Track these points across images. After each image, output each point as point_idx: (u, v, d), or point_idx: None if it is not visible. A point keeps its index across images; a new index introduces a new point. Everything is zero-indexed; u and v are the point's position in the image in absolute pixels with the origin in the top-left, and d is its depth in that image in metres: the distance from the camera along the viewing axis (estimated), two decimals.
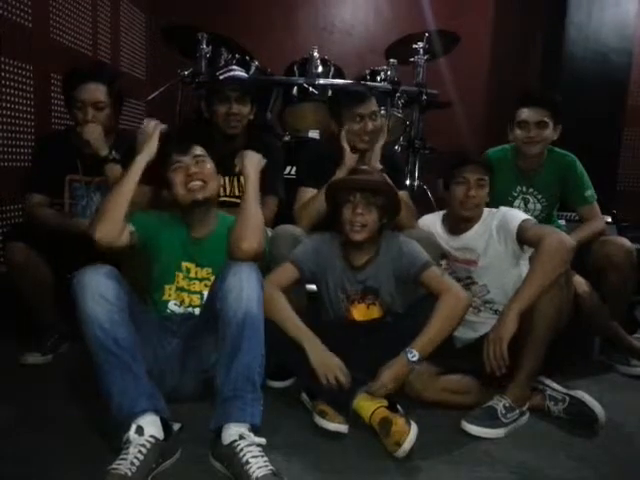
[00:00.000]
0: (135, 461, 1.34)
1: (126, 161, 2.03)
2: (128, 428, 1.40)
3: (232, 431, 1.42)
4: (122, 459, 1.34)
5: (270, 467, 1.35)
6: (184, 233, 1.85)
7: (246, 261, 1.64)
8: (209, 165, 1.83)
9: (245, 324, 1.50)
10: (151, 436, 1.40)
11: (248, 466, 1.35)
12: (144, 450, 1.36)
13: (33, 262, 2.04)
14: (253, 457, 1.37)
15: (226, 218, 1.89)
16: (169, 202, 1.89)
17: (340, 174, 2.10)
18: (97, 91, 2.14)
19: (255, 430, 1.45)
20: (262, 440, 1.42)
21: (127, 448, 1.37)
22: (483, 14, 4.60)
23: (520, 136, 2.34)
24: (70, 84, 2.15)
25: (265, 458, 1.38)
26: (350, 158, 2.15)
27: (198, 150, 1.83)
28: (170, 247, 1.83)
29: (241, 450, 1.38)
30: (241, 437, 1.41)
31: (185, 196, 1.78)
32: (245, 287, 1.53)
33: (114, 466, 1.33)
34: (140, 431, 1.39)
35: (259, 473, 1.33)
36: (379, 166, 2.17)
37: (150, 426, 1.41)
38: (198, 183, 1.78)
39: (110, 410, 1.45)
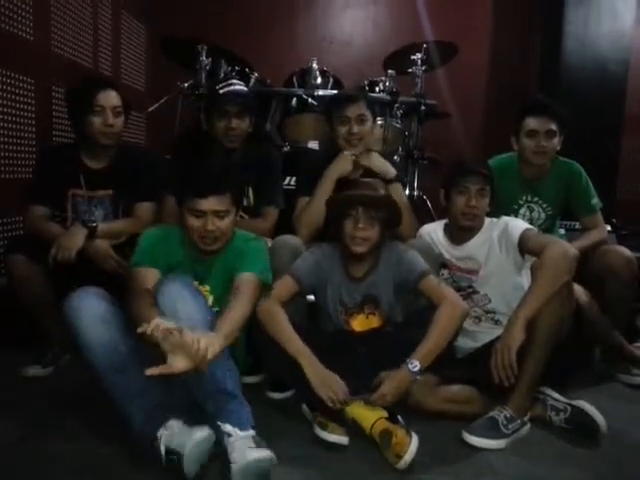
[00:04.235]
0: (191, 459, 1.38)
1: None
2: (157, 439, 1.43)
3: (222, 434, 1.45)
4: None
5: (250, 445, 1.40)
6: (192, 252, 1.84)
7: None
8: (228, 220, 1.75)
9: None
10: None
11: (227, 455, 1.40)
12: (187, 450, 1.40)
13: (34, 275, 2.04)
14: (234, 448, 1.40)
15: (239, 237, 1.87)
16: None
17: (329, 175, 2.13)
18: (115, 97, 2.20)
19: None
20: (248, 432, 1.44)
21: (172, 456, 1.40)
22: (480, 25, 4.62)
23: (529, 146, 2.32)
24: (88, 91, 2.16)
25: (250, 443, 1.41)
26: (342, 160, 2.17)
27: (223, 204, 1.72)
28: (179, 265, 1.81)
29: (226, 445, 1.42)
30: (228, 435, 1.43)
31: (196, 244, 1.77)
32: (179, 307, 1.51)
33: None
34: (170, 439, 1.42)
35: (237, 455, 1.39)
36: (394, 171, 2.18)
37: (177, 429, 1.44)
38: (210, 240, 1.75)
39: (132, 427, 1.47)
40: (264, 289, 1.82)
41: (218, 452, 1.47)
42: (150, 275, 1.72)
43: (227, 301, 1.70)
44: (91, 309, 1.47)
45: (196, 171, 1.81)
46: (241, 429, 1.45)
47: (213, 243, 1.76)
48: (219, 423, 1.45)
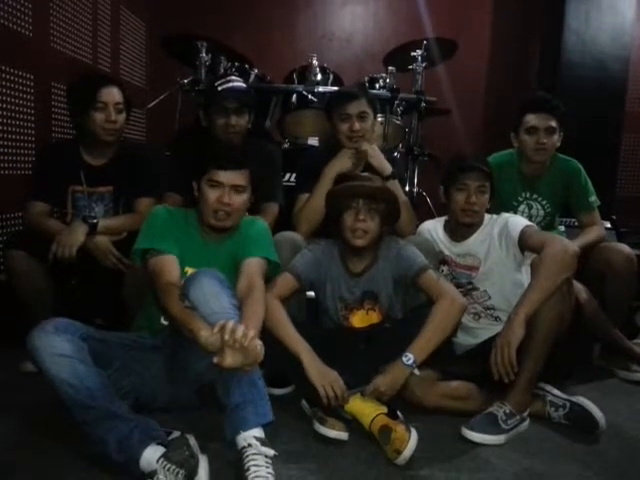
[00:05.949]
0: None
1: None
2: (136, 470, 1.39)
3: (242, 438, 1.43)
4: None
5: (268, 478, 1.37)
6: (201, 234, 1.84)
7: None
8: (244, 197, 1.81)
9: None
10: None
11: (248, 473, 1.38)
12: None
13: (33, 270, 2.04)
14: (255, 465, 1.39)
15: (249, 223, 1.88)
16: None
17: (329, 172, 2.13)
18: (118, 93, 2.19)
19: (269, 423, 1.48)
20: (269, 451, 1.41)
21: None
22: (481, 21, 4.62)
23: (529, 142, 2.32)
24: (91, 87, 2.16)
25: (268, 469, 1.39)
26: (342, 157, 2.17)
27: (241, 179, 1.79)
28: (186, 248, 1.81)
29: (247, 456, 1.41)
30: (249, 445, 1.42)
31: (208, 218, 1.79)
32: (210, 300, 1.52)
33: None
34: (151, 471, 1.38)
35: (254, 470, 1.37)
36: (390, 168, 2.18)
37: (154, 454, 1.39)
38: (223, 214, 1.77)
39: (111, 457, 1.43)
40: (270, 267, 1.85)
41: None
42: (170, 263, 1.72)
43: (241, 293, 1.70)
44: (50, 346, 1.43)
45: (219, 147, 1.92)
46: (260, 438, 1.43)
47: (225, 219, 1.78)
48: (243, 429, 1.43)
